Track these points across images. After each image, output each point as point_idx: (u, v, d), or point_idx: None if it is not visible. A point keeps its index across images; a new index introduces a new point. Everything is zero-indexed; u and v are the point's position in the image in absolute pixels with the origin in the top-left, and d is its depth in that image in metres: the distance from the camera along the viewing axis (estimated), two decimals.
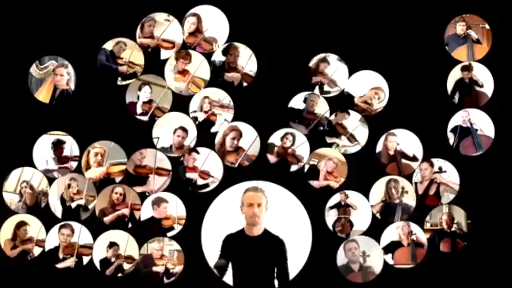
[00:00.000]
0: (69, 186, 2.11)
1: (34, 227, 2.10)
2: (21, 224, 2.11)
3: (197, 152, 2.12)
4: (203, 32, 2.15)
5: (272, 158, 2.12)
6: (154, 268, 2.09)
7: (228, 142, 2.12)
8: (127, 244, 2.09)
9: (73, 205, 2.10)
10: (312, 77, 2.13)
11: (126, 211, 2.10)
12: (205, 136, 2.13)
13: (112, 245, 2.10)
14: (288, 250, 2.07)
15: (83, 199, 2.10)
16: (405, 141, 2.11)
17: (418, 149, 2.11)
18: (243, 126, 2.13)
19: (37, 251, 2.10)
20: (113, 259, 2.09)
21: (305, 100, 2.13)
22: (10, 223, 2.10)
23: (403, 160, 2.11)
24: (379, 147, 2.12)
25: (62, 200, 2.11)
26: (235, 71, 2.14)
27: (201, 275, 2.09)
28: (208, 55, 2.14)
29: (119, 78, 2.13)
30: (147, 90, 2.13)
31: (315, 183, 2.11)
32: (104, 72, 2.14)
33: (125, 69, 2.13)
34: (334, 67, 2.13)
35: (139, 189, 2.11)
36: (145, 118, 2.12)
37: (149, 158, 2.12)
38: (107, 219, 2.10)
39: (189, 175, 2.12)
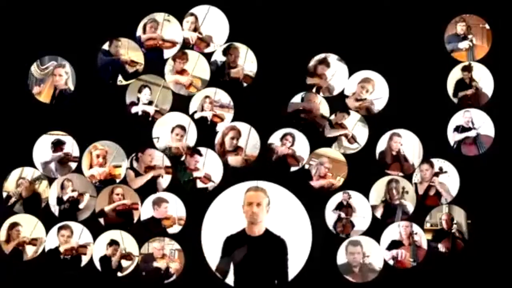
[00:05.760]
0: (62, 186, 2.11)
1: (28, 226, 2.10)
2: (14, 225, 2.10)
3: (200, 154, 2.12)
4: (200, 32, 2.15)
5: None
6: (155, 264, 2.09)
7: (228, 142, 2.12)
8: (128, 243, 2.10)
9: (63, 202, 2.11)
10: (309, 78, 2.13)
11: (126, 201, 2.11)
12: (207, 136, 2.13)
13: (112, 243, 2.10)
14: (289, 249, 2.07)
15: (74, 197, 2.10)
16: (406, 141, 2.11)
17: (418, 149, 2.11)
18: (243, 126, 2.13)
19: (30, 249, 2.10)
20: (113, 258, 2.10)
21: (302, 100, 2.13)
22: (5, 225, 2.11)
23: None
24: (381, 147, 2.12)
25: (58, 200, 2.11)
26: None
27: (201, 275, 2.09)
28: (208, 55, 2.14)
29: (120, 77, 2.13)
30: (147, 92, 2.13)
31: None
32: (105, 68, 2.14)
33: (127, 60, 2.13)
34: (333, 70, 2.13)
35: None
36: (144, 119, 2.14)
37: (157, 159, 2.12)
38: (108, 208, 2.10)
39: (194, 174, 2.13)
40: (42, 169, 2.11)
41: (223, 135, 2.13)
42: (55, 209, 2.10)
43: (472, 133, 2.10)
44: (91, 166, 2.12)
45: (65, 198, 2.11)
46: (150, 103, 2.13)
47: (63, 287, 2.10)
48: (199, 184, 2.12)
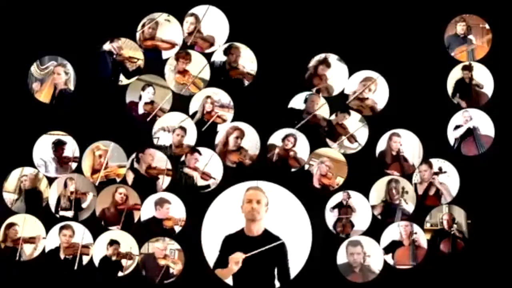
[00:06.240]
0: (65, 185, 2.11)
1: (26, 225, 2.10)
2: (11, 225, 2.10)
3: (199, 153, 2.12)
4: (200, 31, 2.15)
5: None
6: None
7: (232, 141, 2.12)
8: (127, 243, 2.10)
9: (64, 202, 2.11)
10: (310, 79, 2.13)
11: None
12: (207, 136, 2.13)
13: (112, 243, 2.10)
14: (288, 249, 2.07)
15: (75, 197, 2.10)
16: (406, 141, 2.11)
17: (418, 149, 2.12)
18: (243, 126, 2.13)
19: (28, 248, 2.10)
20: (113, 258, 2.10)
21: (305, 101, 2.13)
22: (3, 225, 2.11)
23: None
24: (382, 147, 2.12)
25: (59, 200, 2.12)
26: (236, 70, 2.14)
27: (201, 275, 2.09)
28: (208, 55, 2.14)
29: (121, 77, 2.13)
30: (150, 91, 2.13)
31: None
32: (105, 68, 2.14)
33: (127, 59, 2.13)
34: (334, 70, 2.13)
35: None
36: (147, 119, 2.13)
37: (158, 159, 2.12)
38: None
39: (187, 171, 2.12)
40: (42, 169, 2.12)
41: (227, 134, 2.13)
42: (56, 208, 2.11)
43: (471, 133, 2.11)
44: (93, 167, 2.12)
45: (67, 196, 2.11)
46: (151, 102, 2.13)
47: (63, 287, 2.10)
48: (200, 182, 2.12)
